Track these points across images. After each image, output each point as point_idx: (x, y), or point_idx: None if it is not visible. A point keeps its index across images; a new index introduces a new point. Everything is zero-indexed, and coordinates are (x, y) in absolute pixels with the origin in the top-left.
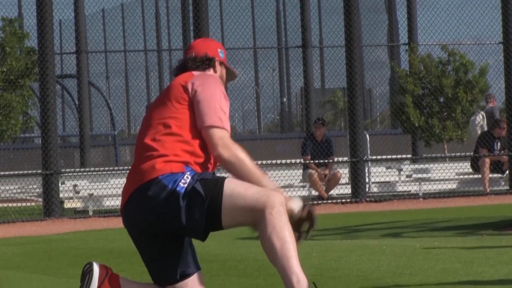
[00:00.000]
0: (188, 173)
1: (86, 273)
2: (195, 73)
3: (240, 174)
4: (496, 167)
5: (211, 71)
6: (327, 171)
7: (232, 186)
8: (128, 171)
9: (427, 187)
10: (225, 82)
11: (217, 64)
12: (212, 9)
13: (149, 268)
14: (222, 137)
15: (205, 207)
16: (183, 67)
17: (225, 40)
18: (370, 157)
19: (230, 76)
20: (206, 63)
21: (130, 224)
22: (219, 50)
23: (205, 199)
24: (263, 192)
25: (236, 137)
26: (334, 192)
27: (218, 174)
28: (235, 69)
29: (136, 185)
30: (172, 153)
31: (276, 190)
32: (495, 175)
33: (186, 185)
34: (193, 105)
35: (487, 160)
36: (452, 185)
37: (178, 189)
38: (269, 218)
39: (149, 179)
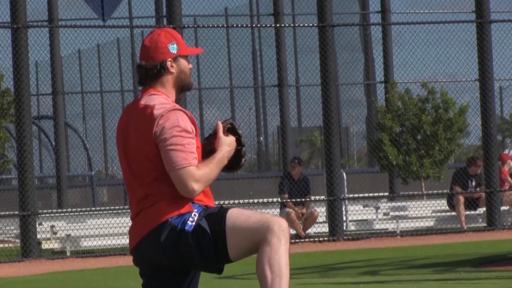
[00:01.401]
0: (196, 210)
1: None
2: (155, 112)
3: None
4: (473, 204)
5: (168, 76)
6: (304, 210)
7: (233, 219)
8: (105, 212)
9: (405, 225)
10: (189, 71)
11: (169, 65)
12: None
13: None
14: (183, 180)
15: (212, 243)
16: (141, 76)
17: (201, 80)
18: (347, 195)
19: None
20: (159, 72)
21: (141, 264)
22: (169, 46)
23: (211, 235)
24: (263, 221)
25: None
26: (311, 230)
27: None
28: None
29: (146, 229)
30: (174, 195)
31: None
32: (472, 212)
33: (194, 223)
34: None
35: (461, 198)
36: (430, 223)
37: (186, 228)
38: (266, 249)
39: (159, 223)
